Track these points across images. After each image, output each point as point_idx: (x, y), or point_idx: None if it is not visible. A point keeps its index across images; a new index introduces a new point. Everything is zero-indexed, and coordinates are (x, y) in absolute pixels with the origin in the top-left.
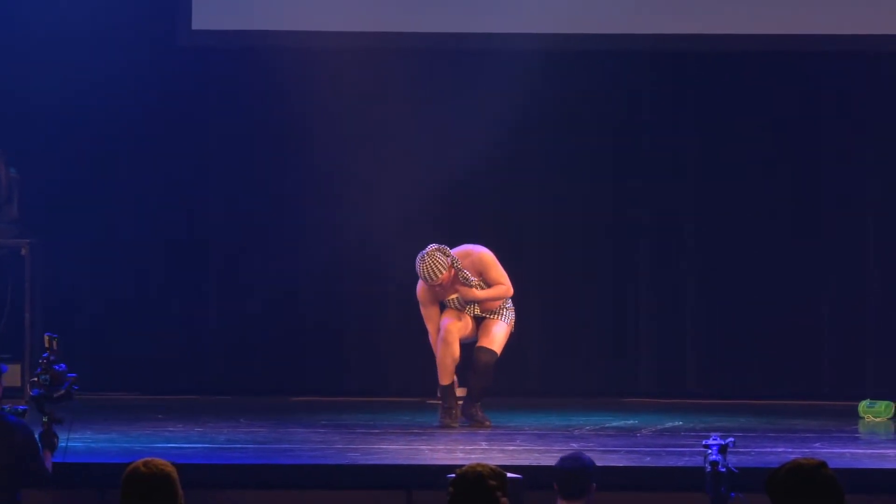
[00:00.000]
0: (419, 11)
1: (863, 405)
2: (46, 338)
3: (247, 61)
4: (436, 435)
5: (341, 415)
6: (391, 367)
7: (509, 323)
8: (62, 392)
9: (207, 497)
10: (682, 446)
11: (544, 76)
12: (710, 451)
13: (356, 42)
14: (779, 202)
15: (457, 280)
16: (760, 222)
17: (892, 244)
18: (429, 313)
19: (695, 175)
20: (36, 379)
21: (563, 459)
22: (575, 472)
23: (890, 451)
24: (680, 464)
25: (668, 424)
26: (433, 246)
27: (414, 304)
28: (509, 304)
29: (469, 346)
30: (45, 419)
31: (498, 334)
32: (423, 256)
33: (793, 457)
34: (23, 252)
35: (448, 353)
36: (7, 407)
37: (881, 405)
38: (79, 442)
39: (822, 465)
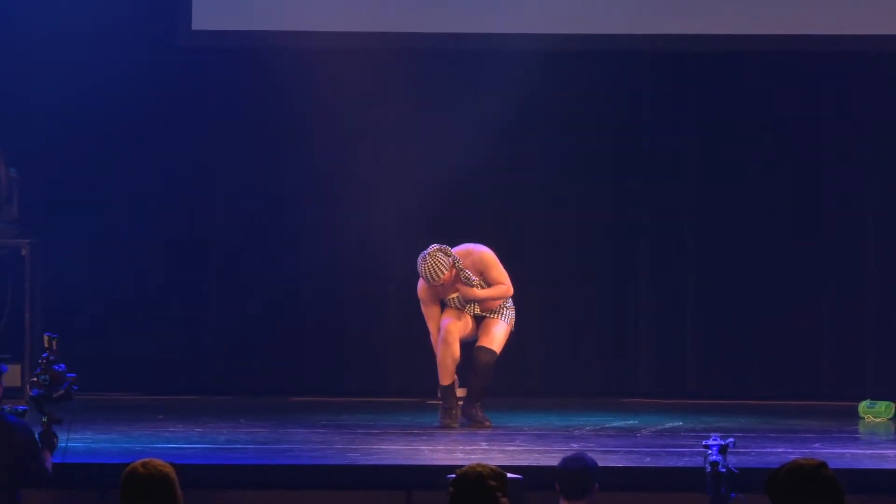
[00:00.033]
0: (419, 11)
1: (863, 405)
2: (46, 338)
3: (247, 61)
4: (436, 435)
5: (341, 415)
6: (391, 367)
7: (509, 322)
8: (61, 392)
9: (207, 497)
10: (682, 446)
11: (544, 76)
12: (710, 452)
13: (356, 42)
14: (779, 202)
15: (458, 279)
16: (760, 222)
17: (892, 244)
18: (429, 312)
19: (695, 175)
20: (35, 379)
21: (565, 460)
22: (577, 472)
23: (890, 452)
24: (680, 464)
25: (668, 425)
26: (435, 246)
27: (414, 304)
28: (510, 303)
29: (469, 346)
30: (44, 419)
31: (498, 334)
32: (424, 256)
33: (793, 457)
34: (23, 252)
35: (448, 354)
36: (7, 407)
37: (881, 405)
38: (79, 442)
39: (822, 465)
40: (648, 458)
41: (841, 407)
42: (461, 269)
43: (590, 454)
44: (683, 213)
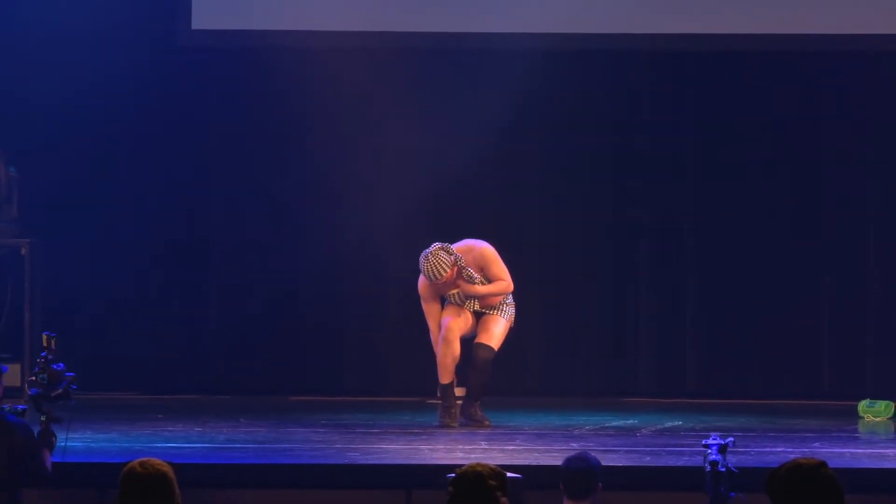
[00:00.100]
0: (419, 11)
1: (863, 405)
2: (45, 337)
3: (247, 61)
4: (435, 435)
5: (341, 414)
6: (391, 367)
7: (508, 319)
8: (60, 391)
9: (207, 497)
10: (682, 446)
11: (544, 76)
12: (709, 451)
13: (356, 42)
14: (779, 202)
15: (459, 276)
16: (760, 222)
17: (892, 244)
18: (430, 309)
19: (695, 175)
20: (34, 378)
21: (568, 460)
22: (580, 472)
23: (890, 451)
24: (680, 463)
25: (668, 424)
26: (437, 244)
27: (414, 305)
28: (510, 299)
29: (468, 342)
30: (42, 418)
31: (496, 331)
32: (426, 255)
33: (793, 456)
34: (23, 252)
35: (449, 352)
36: (7, 406)
37: (881, 405)
38: (79, 442)
39: (822, 464)
40: (648, 458)
41: (841, 406)
42: (463, 268)
43: (592, 454)
44: (683, 213)
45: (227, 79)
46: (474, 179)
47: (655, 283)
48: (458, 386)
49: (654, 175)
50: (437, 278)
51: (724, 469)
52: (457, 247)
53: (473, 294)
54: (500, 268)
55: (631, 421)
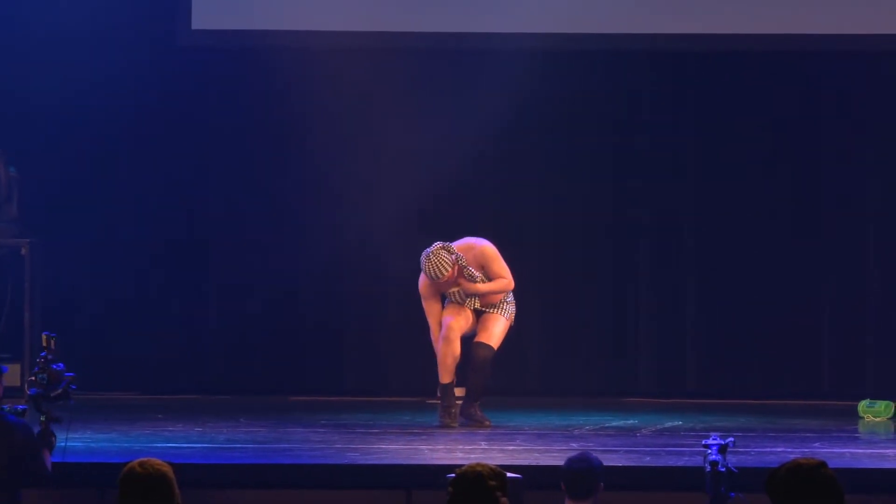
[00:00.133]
0: (419, 11)
1: (862, 405)
2: (44, 337)
3: (247, 61)
4: (435, 435)
5: (341, 414)
6: (391, 367)
7: (508, 318)
8: (59, 391)
9: (207, 497)
10: (682, 446)
11: (544, 76)
12: (709, 451)
13: (356, 42)
14: (779, 202)
15: (461, 275)
16: (760, 222)
17: (892, 244)
18: (430, 308)
19: (695, 175)
20: (33, 378)
21: (570, 460)
22: (582, 472)
23: (890, 451)
24: (680, 463)
25: (668, 424)
26: (438, 244)
27: (414, 304)
28: (510, 297)
29: (468, 341)
30: (42, 418)
31: (496, 330)
32: (428, 255)
33: (793, 456)
34: (22, 251)
35: (449, 352)
36: (7, 406)
37: (881, 405)
38: (79, 442)
39: (822, 464)
40: (648, 458)
41: (841, 406)
42: (465, 267)
43: (594, 454)
44: (683, 213)
45: (227, 79)
46: (474, 179)
47: (655, 283)
48: (457, 386)
49: (654, 175)
50: (438, 277)
51: (724, 469)
52: (457, 245)
53: (475, 292)
54: (500, 265)
55: (631, 421)
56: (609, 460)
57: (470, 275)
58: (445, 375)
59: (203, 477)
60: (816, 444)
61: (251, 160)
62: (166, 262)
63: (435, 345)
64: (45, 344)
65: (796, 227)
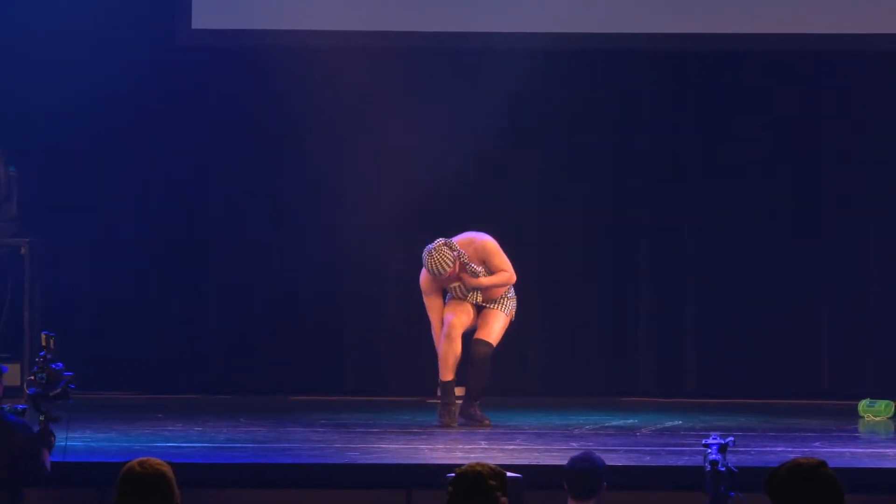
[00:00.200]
0: (419, 11)
1: (862, 404)
2: (43, 336)
3: (247, 61)
4: (435, 434)
5: (341, 414)
6: (391, 367)
7: (509, 314)
8: (58, 391)
9: (207, 497)
10: (682, 446)
11: (544, 76)
12: (709, 451)
13: (356, 41)
14: (779, 202)
15: (463, 271)
16: (760, 222)
17: (892, 244)
18: (432, 303)
19: (695, 175)
20: (33, 377)
21: (573, 459)
22: (585, 472)
23: (890, 451)
24: (680, 463)
25: (668, 424)
26: (440, 240)
27: (414, 304)
28: (511, 293)
29: (468, 338)
30: (41, 418)
31: (496, 326)
32: (430, 251)
33: (793, 456)
34: (22, 251)
35: (451, 350)
36: (7, 406)
37: (881, 404)
38: (78, 441)
39: (822, 464)
40: (648, 457)
41: (841, 406)
42: (467, 263)
43: (596, 454)
44: (683, 213)
45: (227, 79)
46: (474, 179)
47: (655, 283)
48: (457, 385)
49: (654, 175)
50: (440, 273)
51: (724, 469)
52: (458, 239)
53: (477, 286)
54: (501, 259)
55: (631, 421)
56: (609, 460)
57: (472, 271)
58: (446, 373)
59: (203, 476)
60: (816, 444)
61: (251, 160)
62: (166, 262)
63: (436, 342)
64: (44, 343)
65: (796, 227)
